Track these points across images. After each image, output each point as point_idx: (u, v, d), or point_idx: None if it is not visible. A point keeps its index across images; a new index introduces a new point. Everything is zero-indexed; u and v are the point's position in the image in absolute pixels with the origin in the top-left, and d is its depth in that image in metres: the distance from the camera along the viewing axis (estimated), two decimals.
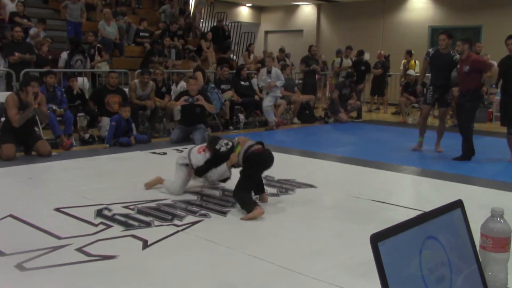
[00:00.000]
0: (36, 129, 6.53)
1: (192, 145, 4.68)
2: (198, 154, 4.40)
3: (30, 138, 6.14)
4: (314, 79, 11.52)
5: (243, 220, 3.81)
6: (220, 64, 10.12)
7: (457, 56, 6.63)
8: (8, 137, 5.96)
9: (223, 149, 4.25)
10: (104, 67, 9.42)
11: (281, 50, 12.73)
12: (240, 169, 4.23)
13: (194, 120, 7.58)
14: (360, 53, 11.95)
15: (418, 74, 10.26)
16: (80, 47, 9.00)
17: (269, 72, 9.31)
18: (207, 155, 4.34)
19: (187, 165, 4.51)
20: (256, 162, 4.13)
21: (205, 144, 4.55)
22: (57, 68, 8.57)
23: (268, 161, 4.15)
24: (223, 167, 4.20)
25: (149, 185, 4.68)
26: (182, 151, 6.69)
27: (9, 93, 6.61)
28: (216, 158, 4.24)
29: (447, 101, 7.01)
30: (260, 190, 4.33)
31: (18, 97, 6.03)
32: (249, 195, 4.08)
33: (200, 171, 4.34)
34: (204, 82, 9.10)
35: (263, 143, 4.25)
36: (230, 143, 4.29)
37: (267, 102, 9.33)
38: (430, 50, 7.14)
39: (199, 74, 8.76)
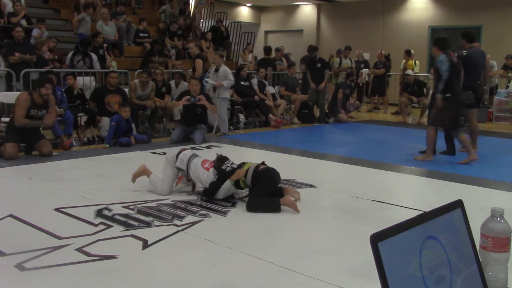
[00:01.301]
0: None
1: (191, 153, 4.56)
2: (205, 171, 4.38)
3: (33, 137, 6.14)
4: None
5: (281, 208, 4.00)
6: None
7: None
8: (12, 136, 5.97)
9: (228, 169, 4.26)
10: (114, 66, 9.46)
11: (278, 50, 12.71)
12: (245, 192, 4.32)
13: (195, 120, 7.58)
14: (314, 49, 10.81)
15: (417, 74, 10.29)
16: (84, 48, 8.96)
17: (216, 70, 8.47)
18: (215, 173, 4.32)
19: (180, 168, 4.49)
20: (268, 178, 4.17)
21: (210, 160, 4.50)
22: (61, 68, 8.60)
23: (278, 176, 4.23)
24: (227, 184, 4.21)
25: (135, 176, 4.68)
26: None
27: (16, 92, 6.64)
28: (222, 178, 4.24)
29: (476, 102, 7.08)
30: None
31: (31, 97, 6.04)
32: (264, 199, 4.12)
33: (208, 194, 4.32)
34: (203, 71, 9.11)
35: (264, 162, 4.33)
36: (236, 165, 4.32)
37: (223, 108, 8.41)
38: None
39: (198, 61, 8.72)
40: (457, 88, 6.19)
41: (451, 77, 6.06)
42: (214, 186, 4.26)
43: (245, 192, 4.40)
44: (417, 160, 6.40)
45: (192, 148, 6.60)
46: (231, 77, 8.47)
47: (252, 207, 4.04)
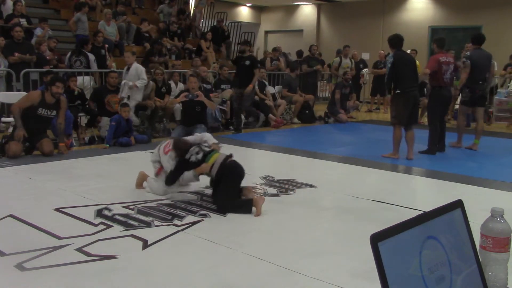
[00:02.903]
0: None
1: (161, 143, 4.56)
2: (164, 155, 4.32)
3: (37, 134, 6.14)
4: (315, 79, 11.52)
5: (256, 216, 3.88)
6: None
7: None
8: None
9: (193, 158, 4.16)
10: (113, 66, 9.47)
11: (275, 50, 12.69)
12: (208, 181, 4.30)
13: (195, 119, 7.59)
14: (244, 43, 9.51)
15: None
16: (83, 48, 8.96)
17: (128, 69, 7.85)
18: (173, 157, 4.24)
19: (155, 161, 4.49)
20: (235, 174, 4.12)
21: (169, 142, 4.41)
22: (60, 68, 8.61)
23: (243, 172, 4.16)
24: (190, 174, 4.15)
25: (139, 185, 4.67)
26: None
27: (16, 93, 6.66)
28: (183, 167, 4.17)
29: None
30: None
31: (42, 96, 6.04)
32: (236, 199, 4.08)
33: (169, 181, 4.27)
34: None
35: (232, 155, 4.24)
36: (201, 153, 4.18)
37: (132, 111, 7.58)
38: (467, 53, 7.39)
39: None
40: (407, 84, 6.24)
41: (400, 74, 6.17)
42: (173, 176, 4.20)
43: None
44: (415, 156, 6.53)
45: None
46: (144, 76, 7.80)
47: (225, 210, 3.98)
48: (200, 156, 4.16)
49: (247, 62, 8.65)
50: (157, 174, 4.52)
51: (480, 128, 7.35)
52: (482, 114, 7.44)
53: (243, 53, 8.83)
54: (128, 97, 7.68)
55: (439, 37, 7.25)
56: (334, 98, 10.65)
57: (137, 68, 7.77)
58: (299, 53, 12.26)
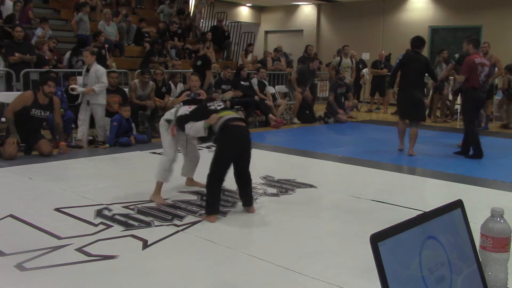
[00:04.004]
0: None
1: (180, 104, 4.46)
2: (187, 109, 4.21)
3: (33, 136, 6.14)
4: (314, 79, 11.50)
5: (204, 219, 3.78)
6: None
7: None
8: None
9: (212, 107, 4.03)
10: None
11: (277, 50, 12.68)
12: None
13: None
14: (201, 40, 9.27)
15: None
16: (84, 48, 8.96)
17: (87, 71, 7.11)
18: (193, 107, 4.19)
19: (169, 120, 4.33)
20: (230, 135, 3.86)
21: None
22: (60, 68, 8.61)
23: (243, 139, 3.89)
24: (200, 123, 3.95)
25: (157, 196, 4.31)
26: None
27: (16, 92, 6.65)
28: (201, 112, 4.03)
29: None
30: (247, 202, 4.07)
31: (35, 96, 6.03)
32: (218, 191, 3.89)
33: (181, 119, 4.11)
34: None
35: (244, 119, 4.06)
36: (223, 106, 4.06)
37: (98, 116, 7.06)
38: (456, 55, 7.39)
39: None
40: (408, 83, 6.69)
41: (404, 73, 6.70)
42: (187, 117, 4.07)
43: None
44: (415, 156, 6.58)
45: None
46: (104, 79, 7.02)
47: (207, 187, 3.86)
48: (220, 108, 4.01)
49: (199, 63, 7.96)
50: (173, 135, 4.33)
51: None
52: None
53: (197, 52, 8.24)
54: (88, 102, 6.96)
55: (474, 37, 7.13)
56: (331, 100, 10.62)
57: (97, 70, 6.98)
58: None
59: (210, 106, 4.03)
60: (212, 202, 3.84)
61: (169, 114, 4.32)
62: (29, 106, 6.00)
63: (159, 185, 4.31)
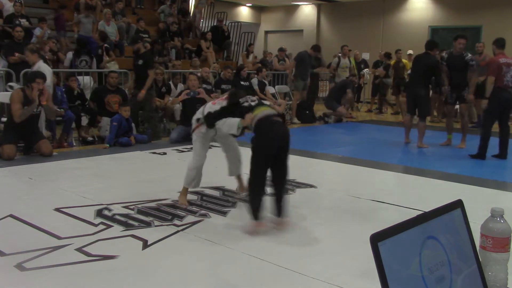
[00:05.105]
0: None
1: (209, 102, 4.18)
2: (213, 105, 3.96)
3: (32, 137, 6.13)
4: (317, 79, 11.50)
5: (251, 229, 3.51)
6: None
7: (469, 56, 7.27)
8: (10, 136, 5.96)
9: (245, 103, 3.76)
10: (113, 66, 9.43)
11: (281, 50, 12.67)
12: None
13: None
14: (133, 40, 8.47)
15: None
16: (86, 48, 8.99)
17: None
18: (224, 103, 3.87)
19: (198, 119, 4.09)
20: (267, 134, 3.54)
21: (222, 97, 4.10)
22: (62, 68, 8.61)
23: (281, 136, 3.58)
24: (234, 120, 3.70)
25: (182, 197, 4.26)
26: (182, 151, 6.70)
27: (9, 91, 6.61)
28: (233, 109, 3.75)
29: (465, 98, 7.37)
30: (279, 212, 3.69)
31: (23, 93, 6.02)
32: (260, 197, 3.57)
33: (211, 117, 3.86)
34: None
35: (284, 116, 3.73)
36: (257, 102, 3.79)
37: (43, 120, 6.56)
38: (444, 54, 7.56)
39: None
40: (411, 81, 7.71)
41: (411, 72, 7.75)
42: (218, 114, 3.80)
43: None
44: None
45: (192, 148, 6.57)
46: (49, 78, 6.61)
47: (249, 193, 3.61)
48: (254, 103, 3.76)
49: (140, 62, 7.63)
50: (193, 131, 4.15)
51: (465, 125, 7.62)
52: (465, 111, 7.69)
53: (137, 52, 7.76)
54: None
55: (499, 37, 7.17)
56: (331, 94, 10.53)
57: (39, 67, 6.55)
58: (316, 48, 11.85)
59: (243, 102, 3.77)
60: (257, 207, 3.54)
61: (199, 113, 4.09)
62: (22, 103, 5.98)
63: (185, 189, 4.25)
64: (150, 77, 7.64)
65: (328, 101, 10.74)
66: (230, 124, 3.75)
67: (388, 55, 12.48)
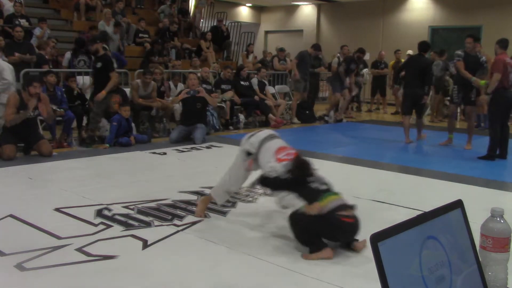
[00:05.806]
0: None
1: (267, 134, 3.75)
2: (276, 162, 3.49)
3: (32, 137, 6.13)
4: (317, 79, 11.49)
5: (305, 259, 3.12)
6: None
7: (484, 57, 7.41)
8: (9, 136, 5.95)
9: (313, 185, 3.32)
10: None
11: (281, 50, 12.66)
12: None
13: (195, 118, 7.58)
14: (98, 38, 7.74)
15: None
16: (84, 48, 8.98)
17: None
18: (286, 169, 3.40)
19: (248, 153, 3.71)
20: (337, 229, 3.21)
21: (292, 149, 3.68)
22: (60, 68, 8.61)
23: (352, 234, 3.25)
24: (298, 203, 3.26)
25: (202, 205, 4.00)
26: (182, 151, 6.70)
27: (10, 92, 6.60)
28: (295, 187, 3.34)
29: (472, 100, 7.27)
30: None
31: (20, 96, 6.01)
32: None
33: (268, 183, 3.49)
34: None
35: (354, 208, 3.28)
36: (326, 186, 3.36)
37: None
38: (460, 52, 7.35)
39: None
40: (408, 82, 7.81)
41: (406, 73, 7.88)
42: (279, 186, 3.40)
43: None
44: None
45: (192, 148, 6.58)
46: (7, 75, 6.17)
47: (298, 236, 3.25)
48: (323, 187, 3.33)
49: (99, 64, 7.19)
50: (249, 168, 3.75)
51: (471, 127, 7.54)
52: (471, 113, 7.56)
53: (96, 53, 7.32)
54: None
55: (503, 38, 7.14)
56: (337, 73, 10.30)
57: None
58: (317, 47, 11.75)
59: (310, 182, 3.33)
60: (315, 241, 3.21)
61: (249, 145, 3.70)
62: (18, 107, 5.94)
63: (209, 198, 4.01)
64: (112, 80, 7.15)
65: (332, 80, 10.62)
66: (291, 203, 3.36)
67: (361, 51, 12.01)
